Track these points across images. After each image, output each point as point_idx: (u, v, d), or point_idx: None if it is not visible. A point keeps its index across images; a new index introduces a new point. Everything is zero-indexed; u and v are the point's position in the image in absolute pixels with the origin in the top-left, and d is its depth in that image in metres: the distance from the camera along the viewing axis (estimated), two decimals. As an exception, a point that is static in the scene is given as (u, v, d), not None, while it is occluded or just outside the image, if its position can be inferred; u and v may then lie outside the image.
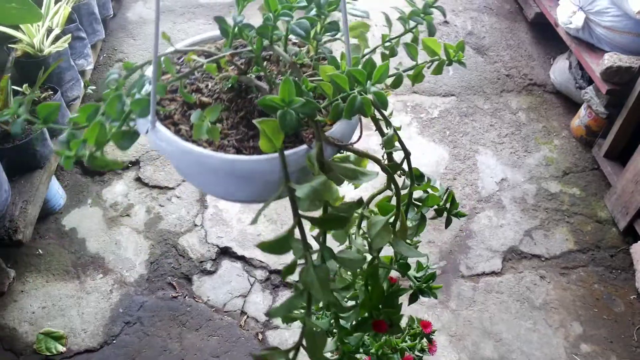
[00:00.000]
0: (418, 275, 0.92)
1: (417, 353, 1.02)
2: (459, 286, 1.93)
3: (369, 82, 0.61)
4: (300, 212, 0.60)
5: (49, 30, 2.08)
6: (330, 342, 0.80)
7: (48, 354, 1.74)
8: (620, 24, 2.13)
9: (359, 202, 0.67)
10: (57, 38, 2.06)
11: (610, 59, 2.06)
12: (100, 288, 1.92)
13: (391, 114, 0.84)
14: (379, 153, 0.79)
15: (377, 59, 0.70)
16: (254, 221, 0.62)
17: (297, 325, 0.95)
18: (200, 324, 1.81)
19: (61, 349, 1.76)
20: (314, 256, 0.62)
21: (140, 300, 1.88)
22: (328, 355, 0.76)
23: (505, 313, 1.86)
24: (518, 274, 1.97)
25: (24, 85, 1.94)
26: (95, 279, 1.94)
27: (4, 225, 1.74)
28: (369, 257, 0.74)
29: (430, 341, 1.05)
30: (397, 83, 0.78)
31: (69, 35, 2.12)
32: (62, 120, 2.10)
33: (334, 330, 0.79)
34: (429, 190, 0.82)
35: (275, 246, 0.59)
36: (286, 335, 1.79)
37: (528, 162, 2.31)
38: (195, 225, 2.08)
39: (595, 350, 1.79)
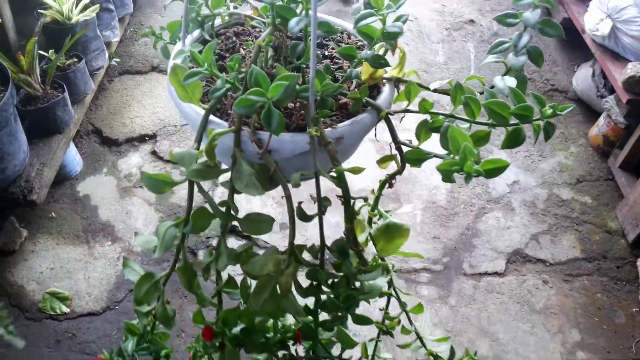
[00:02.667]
0: (319, 352, 0.81)
1: None
2: (460, 283, 1.93)
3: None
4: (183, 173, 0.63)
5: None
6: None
7: (52, 313, 1.79)
8: (648, 35, 2.11)
9: None
10: (85, 7, 2.10)
11: (634, 69, 2.03)
12: (108, 255, 1.96)
13: (390, 157, 0.77)
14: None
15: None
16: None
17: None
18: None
19: (65, 309, 1.81)
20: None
21: (145, 270, 1.91)
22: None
23: (504, 314, 1.86)
24: (521, 276, 1.97)
25: (50, 51, 1.98)
26: (103, 246, 1.99)
27: (19, 185, 1.79)
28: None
29: None
30: (417, 158, 0.72)
31: (97, 5, 2.15)
32: (83, 88, 2.14)
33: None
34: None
35: (154, 183, 0.65)
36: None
37: (542, 167, 2.29)
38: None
39: (591, 359, 1.78)
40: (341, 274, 0.69)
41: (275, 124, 0.59)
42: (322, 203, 0.66)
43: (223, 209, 0.65)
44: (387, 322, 0.90)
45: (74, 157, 2.18)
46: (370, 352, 0.93)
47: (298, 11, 0.67)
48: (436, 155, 0.67)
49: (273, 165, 0.63)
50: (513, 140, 0.64)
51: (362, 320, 0.73)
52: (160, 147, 2.30)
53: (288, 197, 0.63)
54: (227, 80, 0.63)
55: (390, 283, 0.84)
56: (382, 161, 0.73)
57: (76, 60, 2.08)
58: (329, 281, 0.69)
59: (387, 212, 0.79)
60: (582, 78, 2.47)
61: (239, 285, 0.71)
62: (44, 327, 1.76)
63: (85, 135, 2.35)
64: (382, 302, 0.93)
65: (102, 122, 2.39)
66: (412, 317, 0.98)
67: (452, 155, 0.62)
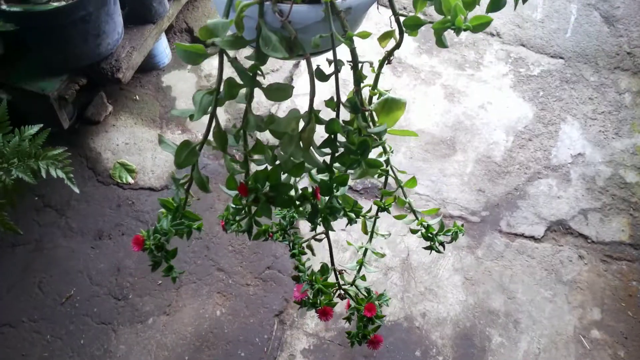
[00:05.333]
0: (335, 205, 0.86)
1: (358, 337, 0.95)
2: (492, 239, 1.96)
3: None
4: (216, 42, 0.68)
5: None
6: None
7: (119, 181, 2.03)
8: None
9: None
10: None
11: None
12: (176, 142, 2.15)
13: (389, 34, 0.82)
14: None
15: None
16: (201, 36, 0.72)
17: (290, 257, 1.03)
18: (247, 196, 2.00)
19: (130, 180, 2.04)
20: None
21: (205, 162, 2.10)
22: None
23: (528, 276, 1.88)
24: (557, 246, 1.96)
25: (156, -55, 2.13)
26: (174, 133, 2.19)
27: (110, 62, 2.00)
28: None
29: (372, 325, 0.94)
30: (414, 24, 0.76)
31: None
32: (181, -14, 2.28)
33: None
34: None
35: (188, 53, 0.69)
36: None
37: (614, 145, 2.20)
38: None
39: (605, 340, 1.78)
40: (353, 128, 0.77)
41: None
42: (338, 63, 0.74)
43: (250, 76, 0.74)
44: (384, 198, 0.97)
45: (164, 50, 2.37)
46: (369, 228, 1.02)
47: None
48: (431, 22, 0.75)
49: (293, 33, 0.69)
50: (495, 4, 0.72)
51: (374, 164, 0.79)
52: (243, 55, 2.43)
53: (308, 59, 0.71)
54: None
55: (388, 162, 0.91)
56: (382, 38, 0.79)
57: (179, -43, 2.22)
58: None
59: (387, 91, 0.85)
60: (687, 61, 2.28)
61: (264, 149, 0.80)
62: (110, 191, 2.01)
63: (179, 32, 2.52)
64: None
65: (196, 22, 2.55)
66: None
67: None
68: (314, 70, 0.72)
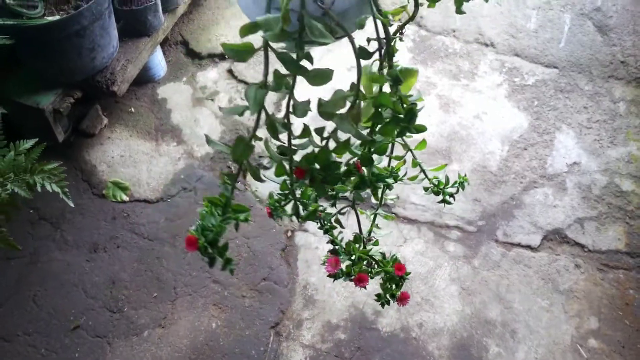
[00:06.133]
0: (375, 172, 0.95)
1: (387, 296, 1.03)
2: (489, 248, 1.95)
3: None
4: (264, 38, 0.71)
5: None
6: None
7: (113, 200, 2.03)
8: None
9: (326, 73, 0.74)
10: None
11: None
12: (171, 154, 2.16)
13: (402, 9, 0.88)
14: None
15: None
16: (241, 34, 0.75)
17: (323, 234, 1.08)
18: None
19: (125, 198, 2.03)
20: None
21: (200, 174, 2.10)
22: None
23: (525, 286, 1.87)
24: (554, 255, 1.95)
25: (151, -41, 2.14)
26: (169, 145, 2.19)
27: (105, 76, 2.00)
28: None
29: (398, 285, 1.02)
30: None
31: None
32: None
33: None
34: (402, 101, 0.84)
35: (237, 50, 0.72)
36: (312, 239, 1.94)
37: (609, 153, 2.20)
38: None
39: (602, 349, 1.77)
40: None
41: None
42: (381, 41, 0.78)
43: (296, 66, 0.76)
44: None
45: (159, 62, 2.38)
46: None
47: None
48: None
49: (336, 18, 0.73)
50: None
51: (421, 129, 0.85)
52: (237, 67, 2.44)
53: (352, 41, 0.74)
54: None
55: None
56: (395, 13, 0.83)
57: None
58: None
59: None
60: (681, 70, 2.29)
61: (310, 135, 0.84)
62: (105, 204, 2.01)
63: (174, 44, 2.54)
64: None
65: (191, 35, 2.56)
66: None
67: None
68: (357, 49, 0.75)
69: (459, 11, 0.86)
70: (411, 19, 0.85)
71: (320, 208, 1.02)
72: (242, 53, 0.73)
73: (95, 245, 1.91)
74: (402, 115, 0.82)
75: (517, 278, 1.89)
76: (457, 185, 1.09)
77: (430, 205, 2.03)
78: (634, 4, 2.61)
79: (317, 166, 0.84)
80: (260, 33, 0.74)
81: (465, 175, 1.12)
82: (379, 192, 1.06)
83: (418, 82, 2.39)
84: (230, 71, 2.43)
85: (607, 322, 1.82)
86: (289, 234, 1.95)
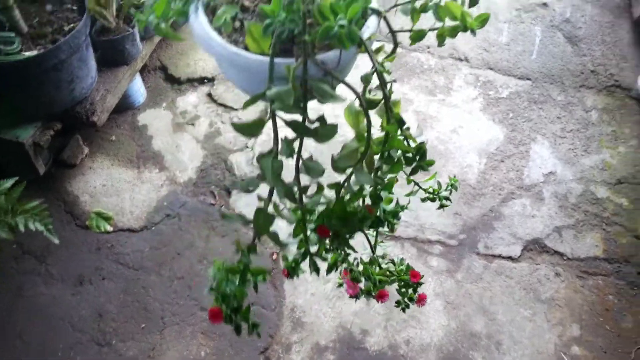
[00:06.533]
0: (387, 208, 1.00)
1: (406, 300, 1.10)
2: (471, 261, 1.99)
3: (341, 15, 0.68)
4: (273, 109, 0.73)
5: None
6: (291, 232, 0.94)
7: (97, 231, 2.03)
8: None
9: (332, 126, 0.77)
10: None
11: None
12: (154, 181, 2.17)
13: (380, 48, 0.93)
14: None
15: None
16: (244, 107, 0.78)
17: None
18: (227, 232, 2.01)
19: (109, 228, 2.03)
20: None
21: (183, 200, 2.11)
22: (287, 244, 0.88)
23: (507, 297, 1.91)
24: (534, 265, 2.00)
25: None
26: (151, 172, 2.20)
27: (85, 106, 2.01)
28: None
29: (415, 290, 1.11)
30: (418, 36, 0.88)
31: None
32: (153, 27, 2.31)
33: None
34: (409, 140, 0.88)
35: (246, 128, 0.74)
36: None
37: (584, 162, 2.26)
38: (247, 147, 2.26)
39: (585, 356, 1.81)
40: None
41: (352, 40, 0.69)
42: (385, 89, 0.80)
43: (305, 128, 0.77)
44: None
45: (138, 89, 2.39)
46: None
47: None
48: (431, 29, 0.86)
49: (340, 77, 0.75)
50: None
51: (430, 163, 0.92)
52: (217, 90, 2.46)
53: (358, 96, 0.77)
54: (292, 19, 0.71)
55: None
56: (376, 52, 0.87)
57: (149, -1, 2.25)
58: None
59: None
60: (648, 77, 2.37)
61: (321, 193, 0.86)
62: (89, 235, 2.01)
63: (153, 70, 2.55)
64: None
65: (169, 60, 2.57)
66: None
67: (445, 23, 0.82)
68: (360, 96, 0.78)
69: (441, 44, 0.89)
70: (390, 54, 0.86)
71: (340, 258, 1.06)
72: (254, 128, 0.74)
73: (81, 278, 1.91)
74: (411, 154, 0.86)
75: (499, 289, 1.93)
76: (449, 188, 1.14)
77: (412, 221, 2.06)
78: (602, 14, 2.68)
79: (335, 220, 0.87)
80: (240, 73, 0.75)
81: (455, 177, 1.17)
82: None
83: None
84: (210, 95, 2.45)
85: (589, 329, 1.87)
86: (275, 256, 1.97)
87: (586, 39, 2.62)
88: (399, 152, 0.88)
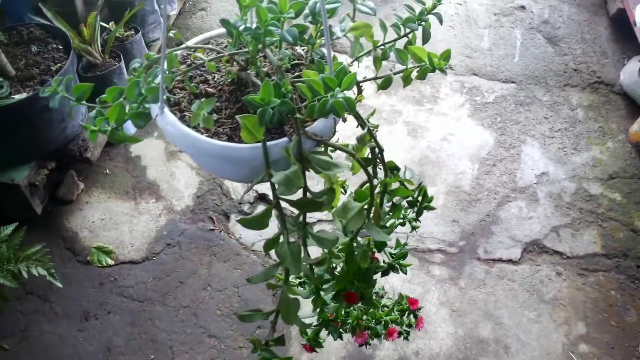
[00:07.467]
0: (394, 252, 1.04)
1: (404, 328, 1.14)
2: (472, 267, 2.01)
3: (338, 88, 0.68)
4: (278, 194, 0.72)
5: (140, -25, 2.30)
6: (310, 310, 0.98)
7: (98, 265, 2.03)
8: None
9: (331, 190, 0.77)
10: (145, -17, 2.28)
11: (676, 68, 1.99)
12: (151, 211, 2.17)
13: (372, 113, 0.96)
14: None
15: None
16: (242, 197, 0.80)
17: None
18: (229, 257, 2.02)
19: (110, 262, 2.03)
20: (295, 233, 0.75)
21: (182, 228, 2.12)
22: (307, 321, 0.90)
23: (511, 300, 1.93)
24: (535, 266, 2.02)
25: (111, 23, 2.18)
26: (148, 203, 2.20)
27: (77, 143, 2.02)
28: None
29: (416, 317, 1.15)
30: (385, 84, 0.88)
31: (157, -19, 2.33)
32: (139, 56, 2.33)
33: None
34: (405, 184, 0.89)
35: (254, 223, 0.72)
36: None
37: (574, 160, 2.29)
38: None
39: (593, 353, 1.83)
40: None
41: (350, 108, 0.70)
42: (379, 146, 0.83)
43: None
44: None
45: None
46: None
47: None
48: (395, 73, 0.87)
49: (336, 145, 0.77)
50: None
51: (430, 200, 0.99)
52: (207, 116, 2.47)
53: (358, 160, 0.80)
54: (284, 102, 0.70)
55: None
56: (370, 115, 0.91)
57: (134, 32, 2.28)
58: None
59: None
60: (630, 72, 2.41)
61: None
62: (90, 270, 2.01)
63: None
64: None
65: (157, 89, 2.59)
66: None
67: (410, 65, 0.85)
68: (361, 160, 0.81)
69: (406, 85, 0.91)
70: (358, 99, 0.88)
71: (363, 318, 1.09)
72: (262, 222, 0.73)
73: (86, 314, 1.90)
74: (413, 197, 0.91)
75: (503, 293, 1.95)
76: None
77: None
78: (579, 13, 2.73)
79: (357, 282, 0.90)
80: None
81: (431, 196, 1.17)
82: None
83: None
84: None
85: (594, 326, 1.88)
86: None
87: (566, 38, 2.67)
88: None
